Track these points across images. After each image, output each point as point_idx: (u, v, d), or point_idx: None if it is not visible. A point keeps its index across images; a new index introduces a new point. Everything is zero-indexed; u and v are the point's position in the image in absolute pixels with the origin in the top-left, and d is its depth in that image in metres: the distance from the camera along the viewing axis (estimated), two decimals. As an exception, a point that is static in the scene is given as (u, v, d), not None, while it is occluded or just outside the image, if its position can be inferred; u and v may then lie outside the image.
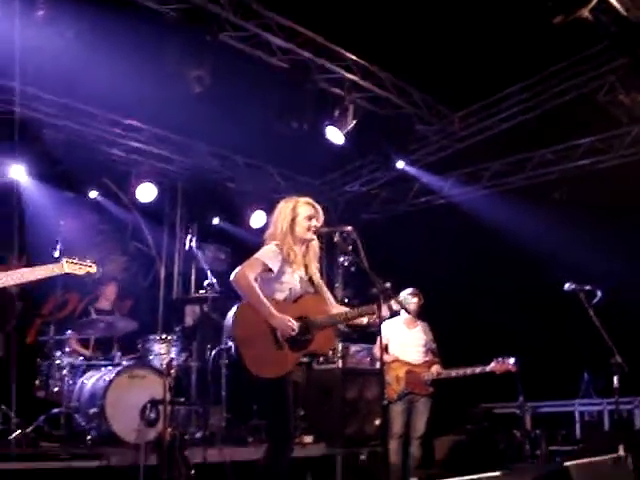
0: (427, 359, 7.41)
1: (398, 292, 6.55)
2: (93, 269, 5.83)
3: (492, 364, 7.11)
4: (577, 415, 9.98)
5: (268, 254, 4.75)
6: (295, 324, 4.62)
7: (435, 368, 7.30)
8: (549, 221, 9.40)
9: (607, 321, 6.20)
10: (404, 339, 7.42)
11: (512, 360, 7.10)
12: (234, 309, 4.72)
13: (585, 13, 6.54)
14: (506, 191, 10.48)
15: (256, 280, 4.70)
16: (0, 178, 8.50)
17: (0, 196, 7.63)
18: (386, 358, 7.26)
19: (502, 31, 7.52)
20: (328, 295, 5.06)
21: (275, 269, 4.72)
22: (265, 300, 4.62)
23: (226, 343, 5.54)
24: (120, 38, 7.02)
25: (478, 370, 7.16)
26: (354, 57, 8.54)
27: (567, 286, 6.44)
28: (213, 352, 8.12)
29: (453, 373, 7.27)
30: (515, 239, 9.42)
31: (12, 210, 6.30)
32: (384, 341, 7.36)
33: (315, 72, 8.40)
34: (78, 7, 6.68)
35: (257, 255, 4.76)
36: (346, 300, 9.53)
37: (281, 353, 4.62)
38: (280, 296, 4.76)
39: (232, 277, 4.69)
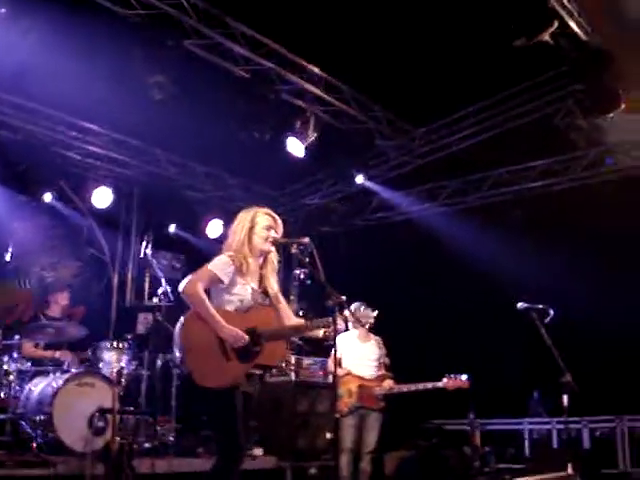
0: (380, 374, 7.41)
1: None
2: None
3: (444, 380, 7.13)
4: (526, 433, 10.08)
5: (219, 265, 4.72)
6: (244, 336, 4.59)
7: (387, 383, 7.30)
8: (504, 240, 9.50)
9: (558, 341, 6.27)
10: (357, 353, 7.41)
11: (464, 377, 7.14)
12: (181, 319, 4.69)
13: (546, 37, 6.66)
14: (463, 210, 10.58)
15: (206, 290, 4.66)
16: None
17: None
18: (339, 372, 7.25)
19: (465, 51, 7.60)
20: (285, 308, 5.03)
21: (225, 280, 4.69)
22: (214, 311, 4.59)
23: (174, 352, 5.49)
24: (82, 41, 6.95)
25: (430, 386, 7.18)
26: (317, 70, 8.56)
27: (520, 305, 6.50)
28: (159, 361, 8.06)
29: (405, 388, 7.27)
30: (470, 257, 9.50)
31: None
32: (338, 355, 7.35)
33: (278, 83, 8.40)
34: (41, 8, 6.59)
35: (208, 265, 4.73)
36: (300, 313, 9.50)
37: (229, 364, 4.58)
38: (230, 307, 4.72)
39: (181, 287, 4.66)
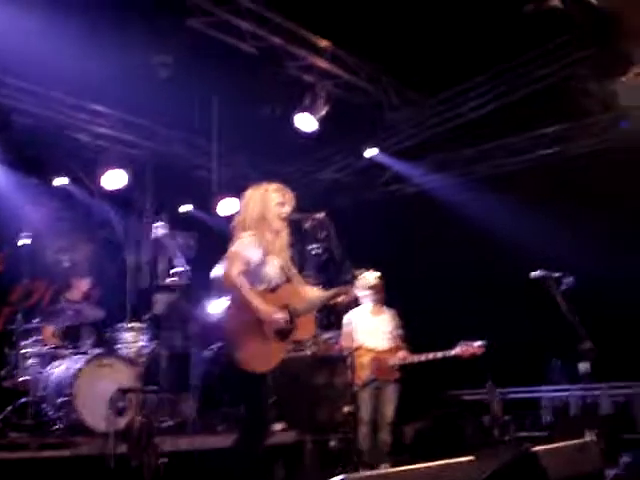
0: (393, 345, 7.42)
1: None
2: None
3: (457, 348, 7.14)
4: (545, 401, 10.07)
5: (247, 247, 4.68)
6: (283, 315, 4.59)
7: (401, 353, 7.32)
8: (519, 209, 9.44)
9: (576, 309, 6.25)
10: (370, 326, 7.41)
11: (478, 343, 7.14)
12: (220, 307, 4.69)
13: (555, 2, 6.57)
14: (476, 179, 10.51)
15: (242, 274, 4.63)
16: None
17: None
18: (351, 345, 7.30)
19: (474, 18, 7.53)
20: (299, 279, 5.03)
21: (255, 261, 4.67)
22: (252, 294, 4.57)
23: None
24: (86, 22, 6.93)
25: (442, 354, 7.18)
26: (324, 43, 8.49)
27: (534, 274, 6.48)
28: (177, 341, 8.09)
29: (418, 358, 7.28)
30: (485, 226, 9.46)
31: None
32: (351, 328, 7.37)
33: (286, 58, 8.34)
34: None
35: (236, 249, 4.68)
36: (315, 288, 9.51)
37: (270, 346, 4.60)
38: (260, 287, 4.71)
39: (218, 277, 4.63)
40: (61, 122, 9.19)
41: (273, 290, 4.74)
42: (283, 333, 4.64)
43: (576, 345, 6.11)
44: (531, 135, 9.94)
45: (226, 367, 6.30)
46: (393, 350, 7.35)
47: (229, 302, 4.66)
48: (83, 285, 8.55)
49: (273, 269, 4.75)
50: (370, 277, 7.10)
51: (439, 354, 7.18)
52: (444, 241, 10.25)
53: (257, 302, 4.55)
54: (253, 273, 4.70)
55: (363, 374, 7.23)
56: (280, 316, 4.57)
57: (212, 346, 8.12)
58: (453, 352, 7.14)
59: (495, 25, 7.62)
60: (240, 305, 4.58)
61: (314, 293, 4.98)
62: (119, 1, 7.09)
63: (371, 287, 6.65)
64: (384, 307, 7.54)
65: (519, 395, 10.33)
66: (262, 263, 4.70)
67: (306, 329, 4.83)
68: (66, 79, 8.17)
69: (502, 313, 9.80)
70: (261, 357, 4.57)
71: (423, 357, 7.26)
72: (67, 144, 9.47)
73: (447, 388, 10.37)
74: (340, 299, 4.89)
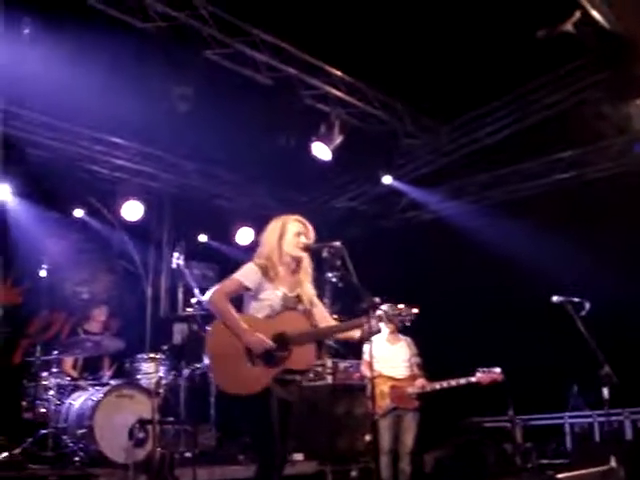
0: (411, 373, 7.39)
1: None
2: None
3: (478, 374, 7.10)
4: (567, 428, 9.97)
5: (245, 272, 4.78)
6: (268, 340, 4.60)
7: (420, 382, 7.28)
8: (536, 234, 9.41)
9: (595, 333, 6.21)
10: (387, 355, 7.38)
11: (498, 370, 7.10)
12: (209, 328, 4.76)
13: (568, 27, 6.60)
14: (493, 204, 10.50)
15: (235, 299, 4.71)
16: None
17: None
18: (369, 374, 7.28)
19: (486, 44, 7.56)
20: (322, 311, 5.03)
21: (252, 286, 4.73)
22: (237, 318, 4.64)
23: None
24: (104, 56, 7.02)
25: (464, 381, 7.14)
26: (339, 73, 8.57)
27: (555, 298, 6.45)
28: (196, 371, 8.10)
29: (437, 386, 7.24)
30: (502, 252, 9.42)
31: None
32: (368, 357, 7.34)
33: (300, 88, 8.42)
34: (63, 25, 6.66)
35: (235, 274, 4.78)
36: (334, 316, 9.50)
37: (255, 370, 4.60)
38: (260, 314, 4.74)
39: (206, 296, 4.74)
40: (79, 154, 9.30)
41: (275, 317, 4.76)
42: (272, 359, 4.64)
43: (596, 371, 6.07)
44: (546, 160, 9.92)
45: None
46: (411, 378, 7.32)
47: (214, 325, 4.72)
48: (100, 315, 8.59)
49: (274, 297, 4.77)
50: (409, 311, 7.02)
51: (460, 381, 7.14)
52: (462, 267, 10.22)
53: (237, 325, 4.61)
54: (251, 299, 4.77)
55: (383, 403, 7.20)
56: (262, 341, 4.58)
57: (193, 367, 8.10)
58: (473, 379, 7.10)
59: (509, 51, 7.65)
60: (223, 328, 4.64)
61: (324, 322, 4.98)
62: (138, 34, 7.19)
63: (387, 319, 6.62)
64: (400, 335, 7.51)
65: (541, 422, 10.24)
66: (262, 290, 4.74)
67: (304, 359, 4.80)
68: (84, 111, 8.28)
69: (521, 339, 9.75)
70: (242, 379, 4.59)
71: (442, 384, 7.22)
72: (85, 176, 9.58)
73: (468, 415, 10.28)
74: (360, 334, 4.85)
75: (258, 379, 4.60)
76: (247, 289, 4.74)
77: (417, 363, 7.49)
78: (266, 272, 4.75)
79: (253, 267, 4.79)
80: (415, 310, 6.48)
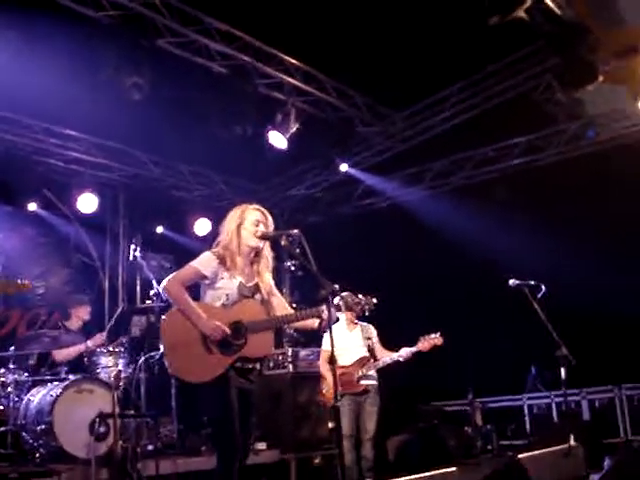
0: (359, 357, 7.36)
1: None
2: (26, 287, 5.55)
3: (418, 344, 7.13)
4: (526, 409, 10.14)
5: (201, 261, 4.78)
6: (224, 327, 4.60)
7: (367, 365, 7.29)
8: (491, 219, 9.52)
9: (551, 316, 6.32)
10: (343, 343, 7.38)
11: (437, 334, 7.11)
12: (163, 317, 4.74)
13: (521, 13, 6.65)
14: (448, 190, 10.59)
15: (189, 286, 4.70)
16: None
17: None
18: (325, 366, 7.33)
19: (440, 31, 7.60)
20: (280, 301, 5.03)
21: (208, 274, 4.73)
22: (193, 305, 4.64)
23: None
24: (55, 46, 6.89)
25: (406, 353, 7.15)
26: (294, 61, 8.54)
27: (512, 282, 6.55)
28: (140, 360, 8.03)
29: (381, 363, 7.27)
30: (458, 238, 9.52)
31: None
32: (326, 347, 7.35)
33: (256, 76, 8.38)
34: (12, 15, 6.54)
35: (192, 262, 4.78)
36: (294, 305, 9.51)
37: (211, 357, 4.61)
38: (217, 302, 4.75)
39: (162, 285, 4.71)
40: (32, 147, 9.15)
41: (232, 306, 4.75)
42: (229, 347, 4.65)
43: (553, 352, 6.17)
44: (501, 145, 10.03)
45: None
46: (359, 362, 7.32)
47: (169, 312, 4.71)
48: (83, 313, 8.41)
49: (232, 285, 4.77)
50: (370, 301, 7.01)
51: (402, 354, 7.16)
52: (419, 253, 10.30)
53: (193, 312, 4.61)
54: (208, 288, 4.77)
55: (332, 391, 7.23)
56: (217, 328, 4.58)
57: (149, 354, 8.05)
58: (415, 348, 7.11)
59: (462, 38, 7.71)
60: (180, 316, 4.63)
61: (282, 312, 4.98)
62: (91, 23, 7.08)
63: (346, 307, 6.59)
64: (358, 321, 7.52)
65: (500, 404, 10.39)
66: (218, 278, 4.74)
67: (260, 347, 4.81)
68: (37, 103, 8.13)
69: (480, 323, 9.88)
70: (195, 367, 4.60)
71: (385, 361, 7.24)
72: (39, 169, 9.43)
73: (428, 400, 10.38)
74: (319, 323, 4.86)
75: (214, 367, 4.60)
76: (204, 277, 4.74)
77: (370, 346, 7.45)
78: (223, 261, 4.75)
79: (210, 255, 4.78)
80: (374, 300, 6.54)
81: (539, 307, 6.31)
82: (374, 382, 7.32)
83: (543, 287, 6.41)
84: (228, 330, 4.62)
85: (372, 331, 7.57)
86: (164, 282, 4.71)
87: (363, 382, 7.22)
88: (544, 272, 6.68)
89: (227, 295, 4.76)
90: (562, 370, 6.21)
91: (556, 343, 6.23)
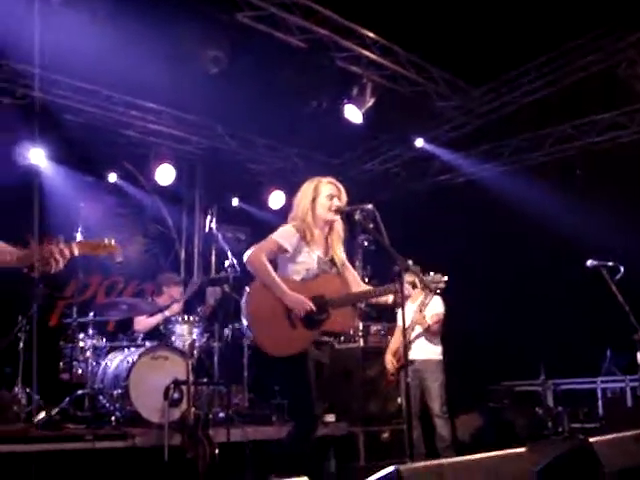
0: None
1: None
2: (113, 248, 5.65)
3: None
4: (599, 392, 9.94)
5: (283, 234, 4.77)
6: (309, 302, 4.62)
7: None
8: (570, 197, 9.31)
9: (630, 298, 6.17)
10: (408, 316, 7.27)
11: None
12: (247, 289, 4.75)
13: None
14: (527, 167, 10.39)
15: (270, 260, 4.71)
16: (21, 162, 8.54)
17: (21, 180, 7.69)
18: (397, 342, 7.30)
19: (520, 5, 7.42)
20: (353, 275, 5.05)
21: (290, 249, 4.73)
22: (278, 279, 4.64)
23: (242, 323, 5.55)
24: (136, 20, 6.99)
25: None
26: (371, 34, 8.47)
27: (589, 262, 6.42)
28: (229, 333, 8.18)
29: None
30: (536, 216, 9.34)
31: (32, 194, 6.31)
32: (401, 323, 7.28)
33: (333, 50, 8.35)
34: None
35: (272, 235, 4.79)
36: (366, 280, 9.52)
37: (295, 332, 4.63)
38: (297, 276, 4.76)
39: (245, 257, 4.72)
40: (112, 119, 9.34)
41: (312, 280, 4.76)
42: (312, 321, 4.66)
43: (630, 335, 6.04)
44: (582, 122, 9.76)
45: (253, 348, 6.31)
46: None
47: (253, 285, 4.72)
48: (175, 292, 8.60)
49: (312, 259, 4.78)
50: (440, 279, 6.79)
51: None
52: (496, 231, 10.15)
53: (281, 287, 4.60)
54: (288, 261, 4.77)
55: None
56: (304, 303, 4.59)
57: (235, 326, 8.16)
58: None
59: (543, 12, 7.51)
60: (264, 289, 4.64)
61: (360, 287, 4.99)
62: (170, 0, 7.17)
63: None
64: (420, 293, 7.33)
65: (573, 386, 10.21)
66: (299, 252, 4.75)
67: (342, 321, 4.83)
68: (117, 76, 8.30)
69: (555, 302, 9.70)
70: (282, 341, 4.62)
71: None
72: (119, 141, 9.64)
73: (499, 380, 10.29)
74: (393, 299, 4.85)
75: (299, 341, 4.64)
76: (285, 251, 4.74)
77: (420, 312, 7.23)
78: (303, 234, 4.76)
79: (291, 229, 4.78)
80: (445, 278, 6.38)
81: (616, 289, 6.17)
82: (424, 357, 7.24)
83: (622, 268, 6.26)
84: (313, 306, 4.64)
85: (437, 305, 7.41)
86: (247, 255, 4.72)
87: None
88: (623, 252, 6.52)
89: (307, 269, 4.79)
90: (638, 354, 6.07)
91: (633, 326, 6.09)
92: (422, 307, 7.18)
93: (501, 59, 8.74)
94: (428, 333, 7.25)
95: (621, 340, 6.80)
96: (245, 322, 4.76)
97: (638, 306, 6.13)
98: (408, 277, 4.73)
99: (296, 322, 4.64)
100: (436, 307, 7.33)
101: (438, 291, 6.87)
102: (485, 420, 8.86)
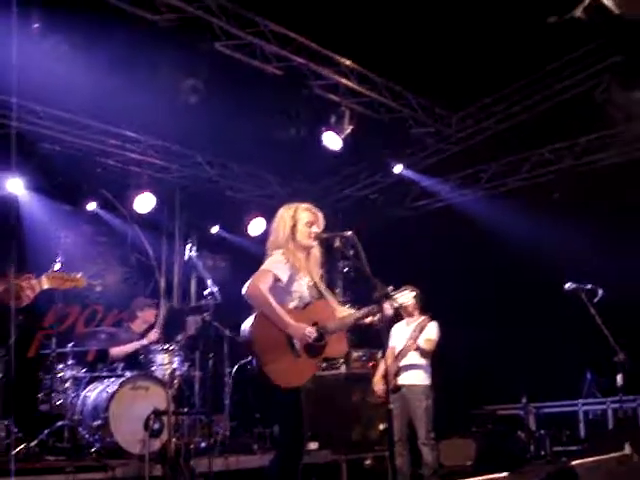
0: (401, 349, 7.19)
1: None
2: (80, 282, 5.60)
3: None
4: (581, 415, 9.97)
5: (276, 264, 4.71)
6: (312, 331, 4.62)
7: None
8: (548, 221, 9.39)
9: (608, 320, 6.20)
10: (402, 339, 7.27)
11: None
12: (249, 323, 4.67)
13: (578, 13, 6.55)
14: (504, 192, 10.47)
15: (268, 291, 4.66)
16: (-2, 192, 8.49)
17: (-2, 210, 7.64)
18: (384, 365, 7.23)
19: (496, 32, 7.53)
20: (334, 300, 5.05)
21: (284, 278, 4.70)
22: (281, 310, 4.59)
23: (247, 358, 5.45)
24: (114, 49, 7.02)
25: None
26: (348, 62, 8.55)
27: (568, 286, 6.44)
28: (210, 362, 8.10)
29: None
30: (514, 240, 9.41)
31: (10, 224, 6.26)
32: (391, 345, 7.27)
33: (310, 78, 8.41)
34: (72, 19, 6.68)
35: (265, 266, 4.72)
36: (347, 306, 9.50)
37: (300, 361, 4.62)
38: (291, 304, 4.74)
39: (244, 291, 4.63)
40: (91, 148, 9.33)
41: (303, 308, 4.76)
42: (314, 349, 4.66)
43: (610, 357, 6.06)
44: (558, 147, 9.86)
45: (258, 384, 6.27)
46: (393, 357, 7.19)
47: (256, 317, 4.67)
48: (149, 316, 8.53)
49: (303, 287, 4.78)
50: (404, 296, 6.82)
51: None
52: (473, 255, 10.21)
53: (285, 318, 4.58)
54: (283, 290, 4.73)
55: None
56: (309, 332, 4.59)
57: (241, 362, 8.11)
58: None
59: (518, 38, 7.62)
60: (266, 321, 4.61)
61: (345, 312, 4.99)
62: (148, 27, 7.19)
63: (403, 307, 6.38)
64: (418, 315, 7.32)
65: (554, 409, 10.24)
66: (292, 281, 4.73)
67: (338, 347, 4.84)
68: (96, 105, 8.31)
69: (535, 326, 9.75)
70: (292, 372, 4.58)
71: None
72: (98, 169, 9.61)
73: (481, 404, 10.29)
74: (370, 320, 4.86)
75: (305, 371, 4.62)
76: (279, 280, 4.71)
77: (414, 338, 7.11)
78: (292, 263, 4.74)
79: (281, 257, 4.74)
80: (413, 293, 6.26)
81: (595, 311, 6.20)
82: (411, 382, 7.16)
83: (600, 291, 6.30)
84: (316, 334, 4.64)
85: (424, 327, 7.33)
86: (245, 287, 4.64)
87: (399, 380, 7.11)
88: (601, 276, 6.56)
89: (300, 297, 4.77)
90: (619, 376, 6.10)
91: (613, 349, 6.12)
92: (417, 332, 7.15)
93: (478, 85, 8.85)
94: (420, 356, 7.19)
95: (601, 362, 6.83)
96: (250, 354, 4.68)
97: (617, 328, 6.16)
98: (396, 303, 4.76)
99: (299, 351, 4.62)
100: (430, 333, 7.26)
101: (411, 307, 6.88)
102: (468, 445, 8.83)
